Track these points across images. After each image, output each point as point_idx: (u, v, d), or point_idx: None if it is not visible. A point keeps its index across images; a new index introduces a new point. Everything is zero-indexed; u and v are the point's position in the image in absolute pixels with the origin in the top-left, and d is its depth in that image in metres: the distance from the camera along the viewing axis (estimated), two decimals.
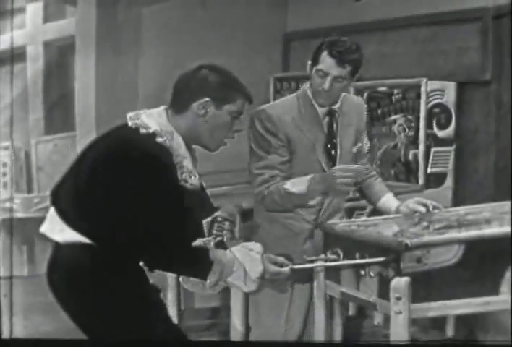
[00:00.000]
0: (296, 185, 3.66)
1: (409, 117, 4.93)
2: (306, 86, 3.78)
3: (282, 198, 3.68)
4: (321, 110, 3.75)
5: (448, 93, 4.85)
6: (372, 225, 3.68)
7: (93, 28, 5.52)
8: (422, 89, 4.85)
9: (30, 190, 5.63)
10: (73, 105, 5.56)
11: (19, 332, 4.76)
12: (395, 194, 4.32)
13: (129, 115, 3.07)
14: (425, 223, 3.68)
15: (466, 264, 3.46)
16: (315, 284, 3.86)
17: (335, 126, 3.78)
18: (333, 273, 3.78)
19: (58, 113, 5.67)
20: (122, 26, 5.57)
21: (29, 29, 5.83)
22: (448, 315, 3.80)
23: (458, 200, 4.75)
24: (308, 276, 3.73)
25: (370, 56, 4.95)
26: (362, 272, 3.56)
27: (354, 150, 3.84)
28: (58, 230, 3.04)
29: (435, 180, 4.88)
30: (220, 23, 5.29)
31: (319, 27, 5.29)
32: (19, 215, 5.46)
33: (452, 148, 4.87)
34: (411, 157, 4.94)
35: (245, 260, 3.10)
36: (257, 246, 3.16)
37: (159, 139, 3.00)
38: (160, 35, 5.47)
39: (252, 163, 3.73)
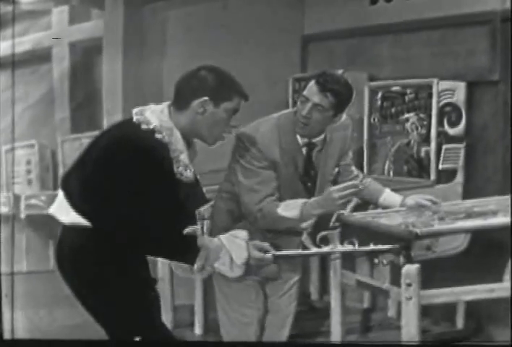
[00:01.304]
0: (289, 209, 3.66)
1: (421, 115, 4.92)
2: (290, 113, 3.73)
3: (275, 221, 3.69)
4: (301, 141, 3.71)
5: (458, 93, 4.84)
6: (385, 216, 3.85)
7: (120, 31, 5.55)
8: (434, 89, 4.83)
9: (55, 187, 5.67)
10: (98, 104, 5.60)
11: (46, 324, 4.81)
12: (408, 189, 4.47)
13: (135, 110, 3.26)
14: (434, 214, 3.81)
15: (472, 252, 3.62)
16: (331, 273, 4.05)
17: (314, 159, 3.75)
18: (348, 262, 3.99)
19: (84, 112, 5.72)
20: (148, 29, 5.58)
21: (55, 30, 5.87)
22: (454, 301, 3.90)
23: (468, 195, 4.72)
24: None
25: (384, 57, 5.16)
26: (376, 261, 3.72)
27: (331, 177, 3.84)
28: (65, 213, 3.25)
29: (446, 176, 4.86)
30: (240, 26, 5.30)
31: (336, 29, 5.33)
32: (44, 211, 5.55)
33: (462, 145, 4.87)
34: (423, 153, 4.93)
35: (231, 247, 3.26)
36: (243, 234, 3.31)
37: (158, 136, 3.18)
38: (184, 37, 5.48)
39: (244, 178, 3.70)
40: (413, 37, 5.10)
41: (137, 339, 3.30)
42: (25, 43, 5.60)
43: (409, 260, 3.60)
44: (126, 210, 3.11)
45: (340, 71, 5.10)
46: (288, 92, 5.46)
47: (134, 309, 3.26)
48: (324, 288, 5.06)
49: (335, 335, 4.23)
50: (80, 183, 3.23)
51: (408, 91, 4.98)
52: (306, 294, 5.31)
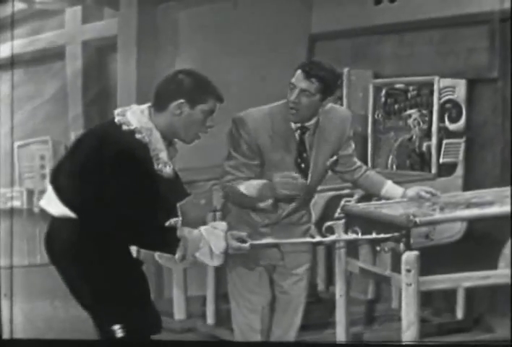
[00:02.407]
0: (249, 188, 3.72)
1: (423, 112, 4.96)
2: (282, 103, 3.78)
3: (235, 198, 3.79)
4: (294, 126, 3.78)
5: (459, 90, 4.88)
6: (387, 207, 3.92)
7: (134, 30, 5.61)
8: (435, 86, 4.87)
9: None
10: (111, 101, 5.65)
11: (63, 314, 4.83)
12: (410, 182, 4.52)
13: (117, 111, 3.38)
14: (435, 205, 3.89)
15: (468, 240, 3.71)
16: (336, 261, 4.13)
17: (307, 142, 3.80)
18: (352, 251, 4.06)
19: (97, 109, 5.75)
20: (161, 28, 5.63)
21: (68, 29, 5.92)
22: (451, 288, 3.93)
23: (467, 187, 4.77)
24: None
25: (389, 56, 5.19)
26: (378, 248, 3.83)
27: (328, 163, 3.85)
28: (54, 205, 3.37)
29: (447, 169, 4.91)
30: (250, 25, 5.33)
31: (342, 29, 5.38)
32: None
33: (462, 140, 4.91)
34: (424, 148, 4.97)
35: (210, 237, 3.39)
36: (221, 225, 3.45)
37: (138, 136, 3.29)
38: (195, 36, 5.52)
39: (226, 160, 3.80)
40: (415, 37, 5.15)
41: (117, 327, 3.37)
42: (39, 41, 5.67)
43: (409, 247, 3.69)
44: (110, 204, 3.24)
45: (345, 69, 5.19)
46: None
47: (122, 293, 3.36)
48: (330, 280, 5.09)
49: (341, 323, 4.29)
50: (67, 179, 3.35)
51: (411, 88, 5.03)
52: (313, 285, 5.24)
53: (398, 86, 5.11)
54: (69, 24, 5.94)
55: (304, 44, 5.63)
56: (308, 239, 3.75)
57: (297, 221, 3.88)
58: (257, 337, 3.96)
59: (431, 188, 4.02)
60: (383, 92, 5.17)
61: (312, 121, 3.78)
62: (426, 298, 4.49)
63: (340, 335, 4.34)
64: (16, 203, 5.50)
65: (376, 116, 5.21)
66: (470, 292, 4.65)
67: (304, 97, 3.69)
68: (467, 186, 4.84)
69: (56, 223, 3.41)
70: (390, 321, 4.72)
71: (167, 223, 3.35)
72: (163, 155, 3.34)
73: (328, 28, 5.52)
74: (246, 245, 3.45)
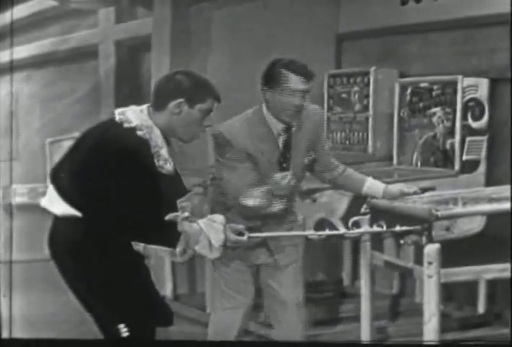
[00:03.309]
0: (251, 199, 3.71)
1: (447, 110, 4.98)
2: (259, 108, 3.74)
3: (249, 211, 3.74)
4: (276, 128, 3.73)
5: (481, 89, 4.90)
6: (410, 202, 3.97)
7: (168, 30, 5.68)
8: (459, 85, 4.89)
9: None
10: (143, 99, 5.62)
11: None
12: (434, 178, 4.61)
13: (117, 111, 3.38)
14: (454, 199, 3.99)
15: (488, 233, 3.78)
16: (362, 254, 4.20)
17: (290, 141, 3.77)
18: (377, 244, 4.15)
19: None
20: (194, 28, 5.71)
21: (101, 28, 6.04)
22: (471, 280, 4.01)
23: (489, 184, 4.79)
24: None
25: (414, 55, 5.24)
26: (401, 242, 3.88)
27: (305, 161, 3.82)
28: (56, 205, 3.37)
29: (469, 166, 4.93)
30: (279, 25, 5.39)
31: (368, 29, 5.46)
32: None
33: (485, 138, 4.93)
34: (448, 145, 4.99)
35: (209, 231, 3.42)
36: (220, 218, 3.47)
37: (139, 133, 3.31)
38: (227, 35, 5.63)
39: (225, 173, 3.74)
40: (440, 37, 5.19)
41: (122, 326, 3.37)
42: (71, 40, 5.77)
43: (430, 240, 3.77)
44: (112, 200, 3.26)
45: (372, 68, 5.28)
46: (324, 87, 5.65)
47: (130, 288, 3.38)
48: (355, 275, 5.14)
49: (365, 317, 4.36)
50: (70, 177, 3.36)
51: (435, 87, 5.05)
52: (338, 280, 5.46)
53: (422, 85, 5.14)
54: (103, 24, 6.03)
55: (332, 44, 5.71)
56: (322, 232, 3.80)
57: (283, 220, 3.87)
58: (231, 337, 3.91)
59: (414, 186, 4.01)
60: (409, 90, 5.21)
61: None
62: (448, 293, 4.64)
63: (365, 329, 4.40)
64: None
65: (401, 114, 5.26)
66: (491, 287, 4.68)
67: (306, 98, 3.69)
68: (489, 182, 4.86)
69: (58, 222, 3.42)
70: (413, 315, 4.74)
71: (167, 217, 3.36)
72: (164, 151, 3.37)
73: (355, 28, 5.60)
74: (244, 238, 3.51)
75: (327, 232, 3.80)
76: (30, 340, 4.41)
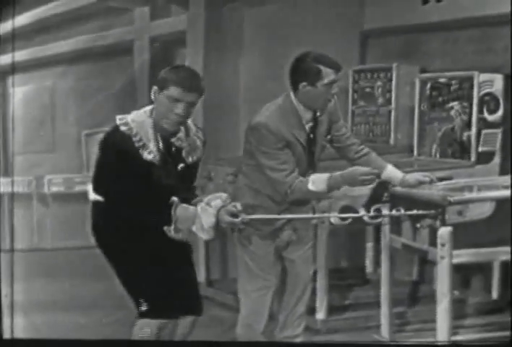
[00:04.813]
0: (317, 184, 3.80)
1: (464, 104, 5.07)
2: (287, 98, 3.87)
3: (305, 195, 3.88)
4: (305, 117, 3.89)
5: (497, 84, 4.96)
6: (427, 189, 4.12)
7: (202, 28, 5.78)
8: (475, 80, 4.99)
9: None
10: None
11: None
12: (451, 169, 4.74)
13: (118, 117, 3.70)
14: (469, 187, 4.16)
15: (497, 217, 3.94)
16: (382, 237, 4.37)
17: (317, 126, 3.94)
18: (396, 229, 4.31)
19: None
20: (227, 27, 5.79)
21: (137, 26, 6.07)
22: (481, 261, 4.11)
23: (503, 174, 4.82)
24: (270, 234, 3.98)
25: (434, 52, 5.35)
26: (418, 226, 4.06)
27: (323, 142, 3.99)
28: (91, 193, 3.82)
29: (485, 157, 5.01)
30: (307, 23, 5.45)
31: (391, 26, 5.56)
32: None
33: (500, 130, 5.00)
34: (465, 138, 5.07)
35: (202, 214, 3.66)
36: (216, 202, 3.69)
37: (122, 128, 3.64)
38: (258, 34, 5.73)
39: (268, 160, 3.84)
40: (458, 35, 5.29)
41: (143, 300, 3.68)
42: (108, 37, 5.85)
43: (444, 223, 3.93)
44: (114, 187, 3.64)
45: (394, 65, 5.40)
46: (349, 82, 5.75)
47: (154, 270, 3.72)
48: (378, 262, 5.07)
49: (384, 303, 4.50)
50: (93, 171, 3.78)
51: (453, 82, 5.14)
52: (361, 267, 5.58)
53: (441, 80, 5.22)
54: (138, 22, 6.10)
55: (357, 40, 5.80)
56: (352, 214, 4.08)
57: (306, 204, 4.06)
58: (264, 318, 4.02)
59: (429, 174, 4.15)
60: (428, 85, 5.29)
61: None
62: (464, 279, 4.82)
63: (384, 314, 4.56)
64: (84, 187, 5.48)
65: (422, 108, 5.35)
66: (505, 273, 4.74)
67: (335, 88, 3.85)
68: (503, 172, 4.90)
69: (93, 207, 3.85)
70: (431, 302, 4.67)
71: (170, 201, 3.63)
72: (151, 144, 3.63)
73: (379, 25, 5.67)
74: (238, 220, 3.68)
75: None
76: (30, 340, 4.49)
